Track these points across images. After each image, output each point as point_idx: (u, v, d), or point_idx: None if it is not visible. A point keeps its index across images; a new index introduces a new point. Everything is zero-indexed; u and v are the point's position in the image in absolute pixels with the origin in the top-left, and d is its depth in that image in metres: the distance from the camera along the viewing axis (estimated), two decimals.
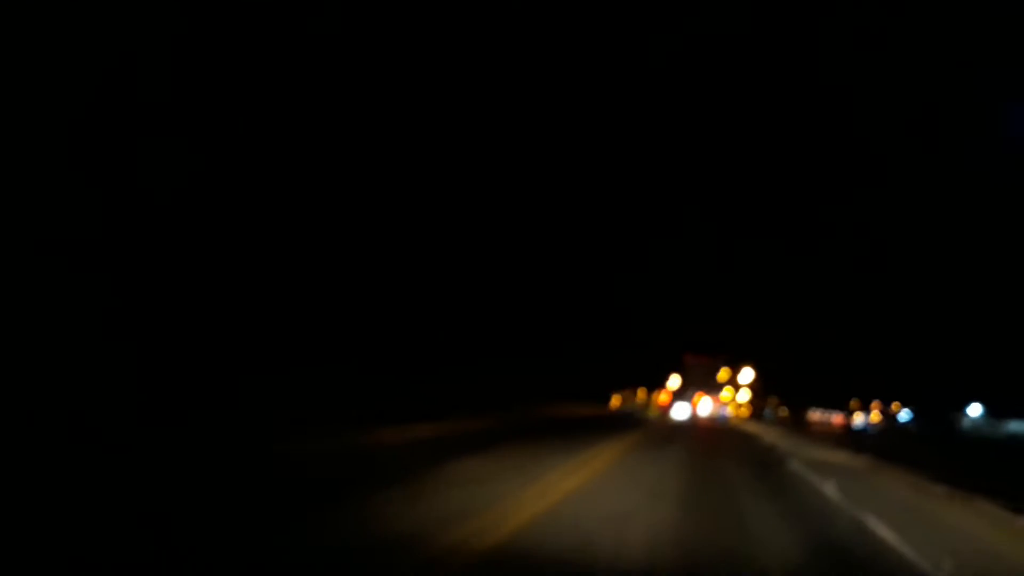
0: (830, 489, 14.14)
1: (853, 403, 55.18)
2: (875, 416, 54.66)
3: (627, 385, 70.26)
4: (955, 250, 38.00)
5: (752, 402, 78.43)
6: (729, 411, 69.88)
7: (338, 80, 20.00)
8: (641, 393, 73.75)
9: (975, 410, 41.05)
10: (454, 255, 29.06)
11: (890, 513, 11.48)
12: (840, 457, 21.53)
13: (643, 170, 46.92)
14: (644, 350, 61.49)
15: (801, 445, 26.54)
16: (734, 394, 78.68)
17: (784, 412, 75.69)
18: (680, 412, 57.55)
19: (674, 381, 72.24)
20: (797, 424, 50.22)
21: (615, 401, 65.68)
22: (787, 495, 13.50)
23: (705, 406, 66.65)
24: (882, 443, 32.15)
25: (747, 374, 76.79)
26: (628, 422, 36.27)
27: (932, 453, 25.02)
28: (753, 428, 42.41)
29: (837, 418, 48.61)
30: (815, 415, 52.40)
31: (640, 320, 57.05)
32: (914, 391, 42.88)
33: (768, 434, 35.28)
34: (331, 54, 19.27)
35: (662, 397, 69.82)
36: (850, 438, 36.15)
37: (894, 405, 48.48)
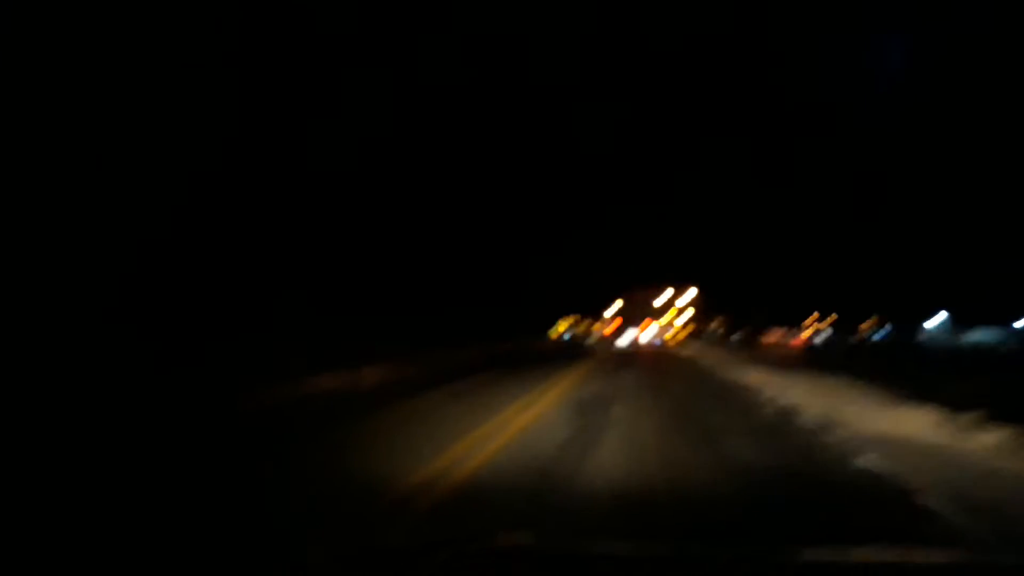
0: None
1: (809, 320, 52.21)
2: (807, 334, 51.93)
3: (571, 314, 70.50)
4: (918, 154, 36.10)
5: (694, 324, 77.79)
6: (666, 336, 71.00)
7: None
8: (584, 323, 74.03)
9: (937, 320, 39.64)
10: (406, 205, 28.68)
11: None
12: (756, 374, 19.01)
13: (586, 96, 44.44)
14: (585, 278, 59.75)
15: (727, 363, 25.06)
16: (674, 318, 79.39)
17: (720, 329, 75.35)
18: (624, 340, 61.24)
19: (615, 310, 73.24)
20: (746, 344, 47.87)
21: (560, 328, 66.87)
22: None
23: (647, 333, 68.59)
24: (825, 357, 30.19)
25: (689, 296, 76.28)
26: (575, 353, 37.62)
27: (879, 364, 23.25)
28: (689, 351, 40.37)
29: (797, 338, 45.66)
30: (773, 335, 49.28)
31: (581, 249, 54.76)
32: (877, 303, 41.02)
33: (702, 356, 33.28)
34: None
35: (606, 327, 70.85)
36: (803, 354, 34.32)
37: (866, 323, 45.66)
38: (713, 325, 77.47)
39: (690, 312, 79.84)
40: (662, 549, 2.30)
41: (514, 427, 9.74)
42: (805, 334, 45.10)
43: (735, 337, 63.46)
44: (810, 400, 11.94)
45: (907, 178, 39.01)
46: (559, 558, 1.96)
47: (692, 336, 72.14)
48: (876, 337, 41.81)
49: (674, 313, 78.37)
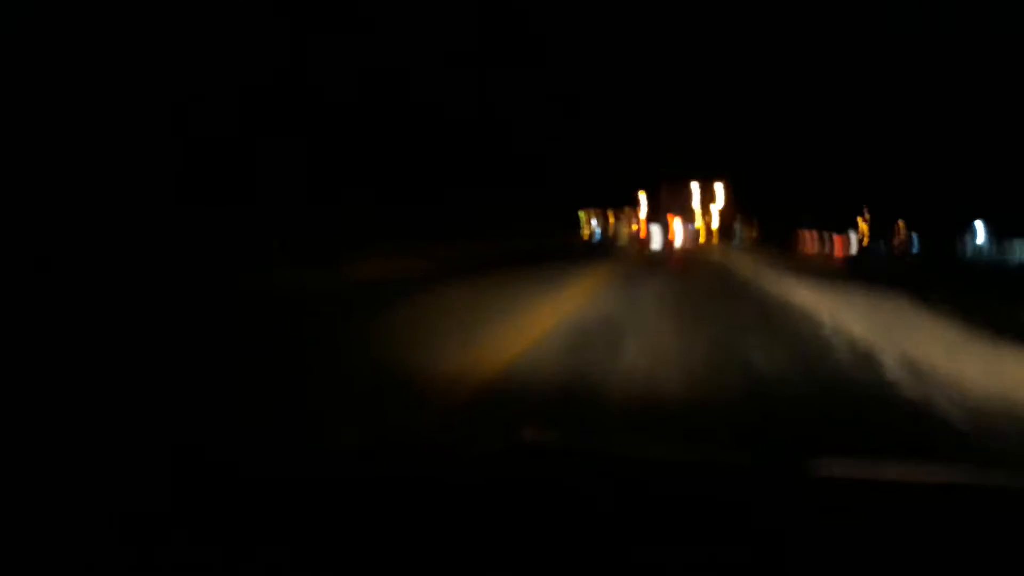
0: None
1: (861, 225, 48.04)
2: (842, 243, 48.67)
3: (598, 206, 68.62)
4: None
5: (723, 225, 75.29)
6: (701, 240, 69.19)
7: None
8: (612, 219, 71.69)
9: (978, 231, 38.06)
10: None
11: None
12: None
13: None
14: (614, 170, 58.24)
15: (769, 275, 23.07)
16: (706, 217, 77.28)
17: (752, 233, 70.95)
18: (656, 242, 59.55)
19: (645, 208, 70.44)
20: (781, 250, 46.42)
21: (585, 229, 65.53)
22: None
23: (678, 230, 66.97)
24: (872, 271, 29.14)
25: (719, 192, 73.61)
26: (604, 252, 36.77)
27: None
28: (724, 258, 38.66)
29: (837, 247, 43.01)
30: (810, 242, 46.58)
31: (607, 139, 52.92)
32: (916, 210, 39.08)
33: (735, 261, 31.98)
34: None
35: (636, 227, 68.96)
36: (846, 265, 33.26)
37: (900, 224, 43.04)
38: (743, 228, 74.61)
39: (718, 211, 78.09)
40: (690, 453, 2.26)
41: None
42: (840, 242, 42.87)
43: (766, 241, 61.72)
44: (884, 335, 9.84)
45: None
46: (583, 455, 1.98)
47: (723, 238, 70.51)
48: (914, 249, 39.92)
49: (703, 212, 76.47)
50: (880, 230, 43.62)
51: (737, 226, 73.45)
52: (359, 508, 1.50)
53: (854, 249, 40.63)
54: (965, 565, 1.32)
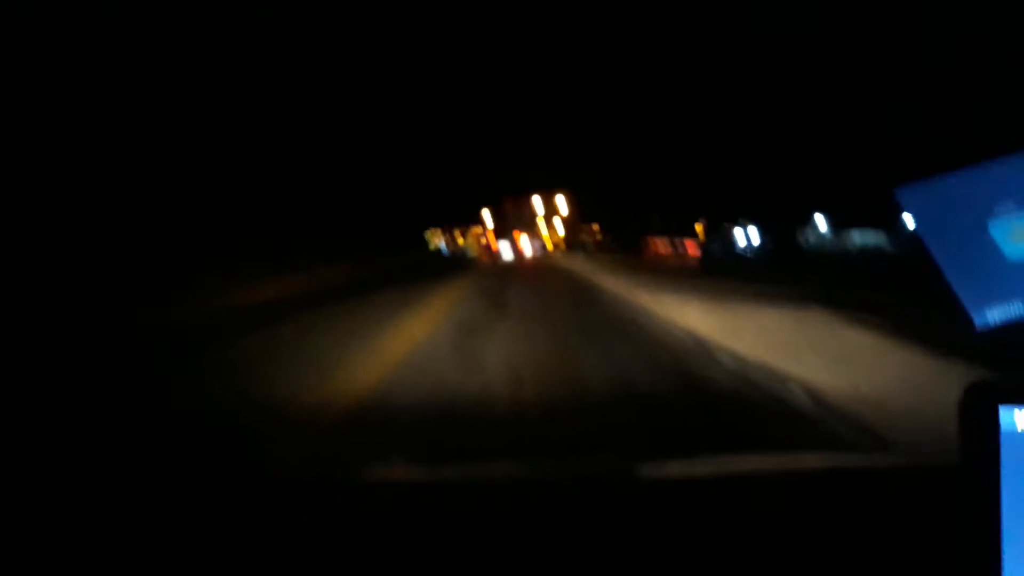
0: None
1: (698, 226, 49.82)
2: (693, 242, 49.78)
3: (443, 225, 72.85)
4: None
5: (568, 234, 77.56)
6: (547, 245, 74.33)
7: None
8: (458, 235, 75.73)
9: (820, 223, 39.62)
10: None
11: None
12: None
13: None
14: (451, 189, 59.63)
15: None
16: (548, 227, 79.25)
17: (596, 238, 74.05)
18: (506, 252, 62.66)
19: (491, 222, 75.28)
20: (627, 252, 46.63)
21: (434, 241, 70.05)
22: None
23: (525, 244, 69.80)
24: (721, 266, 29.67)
25: (562, 204, 76.46)
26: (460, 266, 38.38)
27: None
28: (565, 262, 40.26)
29: (688, 247, 43.35)
30: (660, 244, 46.37)
31: (449, 159, 53.83)
32: (756, 208, 40.36)
33: (576, 265, 33.27)
34: None
35: (483, 240, 72.99)
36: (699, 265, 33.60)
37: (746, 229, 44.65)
38: (587, 236, 76.65)
39: (563, 221, 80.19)
40: (526, 471, 2.20)
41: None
42: (691, 244, 43.31)
43: (610, 245, 63.06)
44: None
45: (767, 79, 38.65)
46: (425, 487, 1.96)
47: (569, 245, 72.16)
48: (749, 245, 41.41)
49: (548, 223, 78.79)
50: (717, 231, 45.00)
51: (583, 236, 76.41)
52: (203, 548, 1.47)
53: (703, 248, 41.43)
54: (808, 551, 1.35)
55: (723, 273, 23.47)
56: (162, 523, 1.54)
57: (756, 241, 39.78)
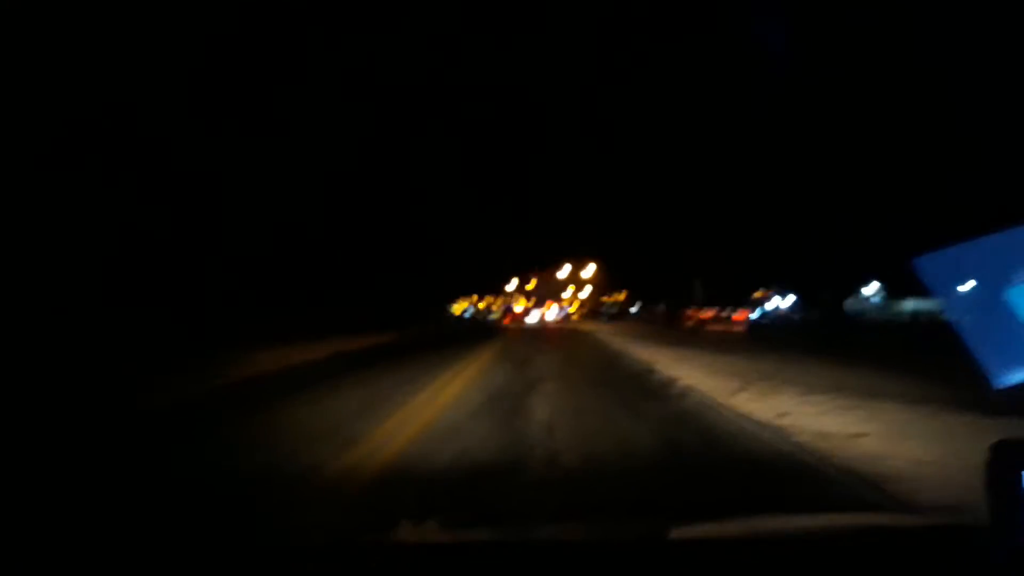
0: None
1: (758, 294, 47.79)
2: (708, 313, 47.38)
3: (469, 294, 75.60)
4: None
5: (591, 300, 78.04)
6: (570, 311, 77.53)
7: None
8: (484, 302, 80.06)
9: (871, 290, 38.13)
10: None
11: None
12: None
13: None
14: (483, 260, 60.43)
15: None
16: (575, 295, 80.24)
17: (617, 308, 73.87)
18: (532, 318, 65.62)
19: (519, 291, 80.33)
20: (667, 322, 44.45)
21: (456, 311, 72.38)
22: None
23: (551, 312, 73.52)
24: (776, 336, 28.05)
25: (589, 271, 77.08)
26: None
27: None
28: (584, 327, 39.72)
29: (738, 314, 41.12)
30: (705, 313, 43.44)
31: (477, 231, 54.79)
32: (798, 276, 38.73)
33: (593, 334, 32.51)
34: None
35: (511, 305, 77.00)
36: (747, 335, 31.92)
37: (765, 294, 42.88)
38: (610, 304, 76.82)
39: (588, 287, 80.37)
40: (567, 533, 2.27)
41: None
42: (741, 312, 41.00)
43: (644, 314, 62.04)
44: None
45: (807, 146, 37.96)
46: (455, 547, 1.96)
47: (592, 312, 72.19)
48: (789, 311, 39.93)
49: (576, 290, 79.70)
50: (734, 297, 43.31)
51: (606, 304, 77.13)
52: None
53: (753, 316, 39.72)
54: None
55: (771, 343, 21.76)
56: None
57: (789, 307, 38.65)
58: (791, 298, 42.72)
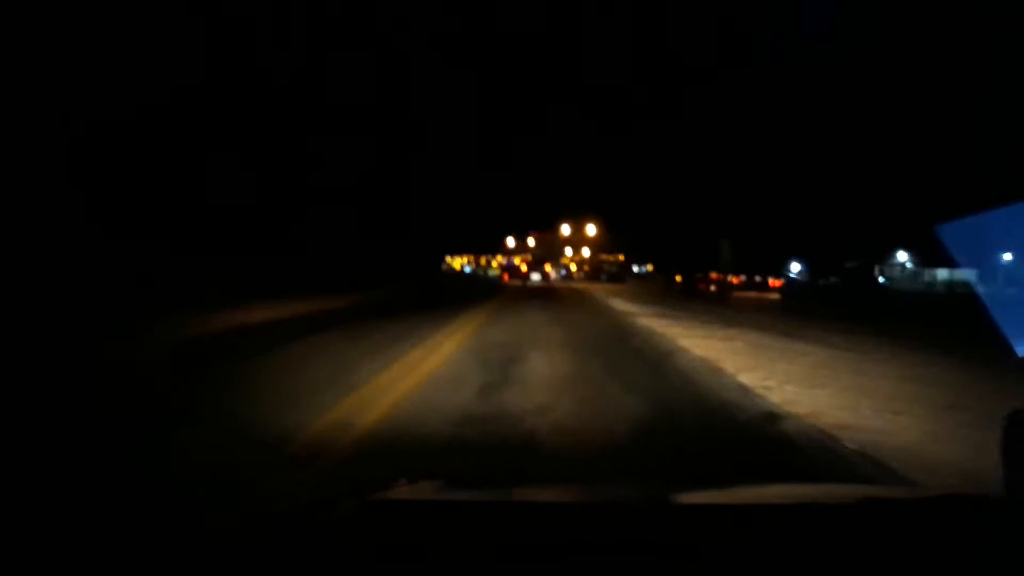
0: None
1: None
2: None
3: (468, 252, 78.26)
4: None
5: (592, 260, 77.58)
6: (572, 269, 78.06)
7: None
8: (483, 259, 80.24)
9: (900, 259, 36.54)
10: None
11: None
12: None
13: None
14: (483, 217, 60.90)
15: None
16: (577, 254, 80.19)
17: (613, 268, 73.17)
18: (535, 276, 64.08)
19: (519, 249, 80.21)
20: (676, 288, 42.18)
21: (453, 264, 75.74)
22: None
23: (553, 272, 72.66)
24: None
25: (591, 231, 76.65)
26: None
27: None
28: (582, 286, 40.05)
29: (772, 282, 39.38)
30: (734, 279, 41.12)
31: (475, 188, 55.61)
32: (824, 243, 37.46)
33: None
34: None
35: (518, 263, 74.50)
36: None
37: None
38: (609, 263, 76.04)
39: (590, 247, 79.22)
40: (568, 495, 2.20)
41: None
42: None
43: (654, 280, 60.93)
44: None
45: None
46: (457, 505, 1.88)
47: (593, 271, 71.85)
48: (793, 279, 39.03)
49: (575, 250, 78.83)
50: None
51: (606, 264, 76.12)
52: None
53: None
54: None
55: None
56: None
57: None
58: (795, 266, 41.88)
